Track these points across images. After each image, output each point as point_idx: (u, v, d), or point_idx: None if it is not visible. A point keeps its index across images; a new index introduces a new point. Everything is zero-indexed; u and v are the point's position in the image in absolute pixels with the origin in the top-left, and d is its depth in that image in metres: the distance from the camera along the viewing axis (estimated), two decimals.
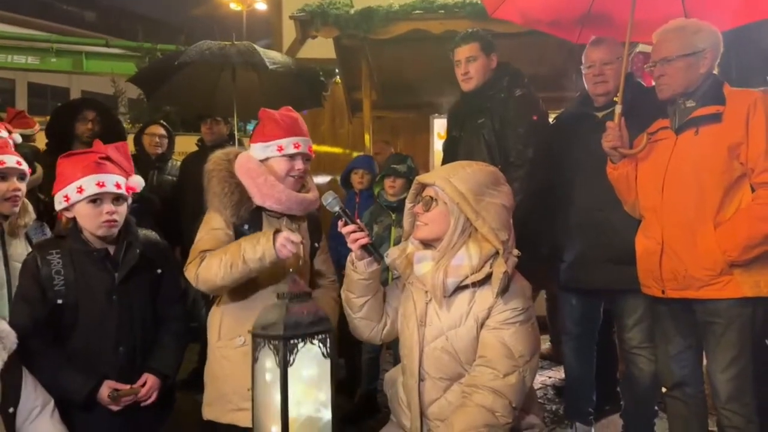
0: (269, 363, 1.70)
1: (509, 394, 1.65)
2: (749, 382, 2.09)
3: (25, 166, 2.31)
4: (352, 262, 1.84)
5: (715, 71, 2.20)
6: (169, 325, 2.13)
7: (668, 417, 2.37)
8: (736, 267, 2.02)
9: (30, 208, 2.35)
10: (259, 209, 1.99)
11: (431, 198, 1.77)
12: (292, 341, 1.63)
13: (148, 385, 1.99)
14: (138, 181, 2.04)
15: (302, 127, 2.03)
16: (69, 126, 3.46)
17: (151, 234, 2.19)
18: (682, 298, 2.14)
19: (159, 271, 2.10)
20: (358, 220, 1.83)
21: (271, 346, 1.67)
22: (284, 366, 1.62)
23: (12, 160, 2.26)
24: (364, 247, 1.79)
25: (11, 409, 1.67)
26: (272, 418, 1.67)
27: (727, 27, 2.50)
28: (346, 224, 1.79)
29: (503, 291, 1.69)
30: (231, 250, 1.85)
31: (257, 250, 1.81)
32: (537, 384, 3.71)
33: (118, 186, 1.95)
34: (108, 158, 2.00)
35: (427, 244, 1.82)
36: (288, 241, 1.80)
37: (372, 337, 1.95)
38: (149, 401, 2.00)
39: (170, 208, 3.82)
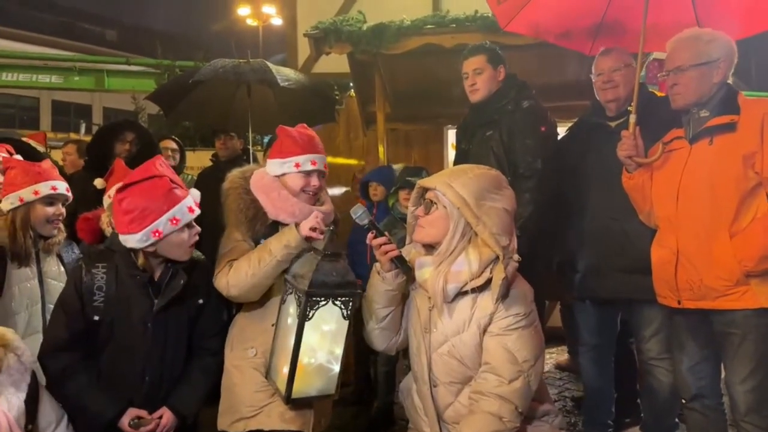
0: (292, 309, 1.81)
1: (515, 399, 1.66)
2: None
3: (70, 193, 2.37)
4: (379, 272, 1.86)
5: (730, 80, 2.19)
6: (202, 359, 2.05)
7: (687, 429, 2.34)
8: (752, 277, 2.00)
9: (62, 225, 2.39)
10: (275, 224, 2.03)
11: (431, 201, 1.78)
12: (314, 298, 1.73)
13: (163, 421, 1.92)
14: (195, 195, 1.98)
15: (318, 145, 2.09)
16: (109, 145, 3.54)
17: (200, 257, 2.08)
18: (699, 308, 2.11)
19: (201, 301, 2.02)
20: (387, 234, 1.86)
21: (296, 296, 1.77)
22: (302, 319, 1.72)
23: (63, 186, 2.33)
24: (392, 259, 1.81)
25: (30, 426, 1.67)
26: (285, 360, 1.78)
27: (739, 36, 2.49)
28: (375, 236, 1.82)
29: (503, 297, 1.69)
30: (257, 249, 1.95)
31: (281, 239, 1.91)
32: (555, 396, 3.67)
33: (191, 210, 1.91)
34: (171, 181, 1.93)
35: (428, 248, 1.83)
36: (307, 229, 1.90)
37: (389, 348, 1.97)
38: None
39: None
